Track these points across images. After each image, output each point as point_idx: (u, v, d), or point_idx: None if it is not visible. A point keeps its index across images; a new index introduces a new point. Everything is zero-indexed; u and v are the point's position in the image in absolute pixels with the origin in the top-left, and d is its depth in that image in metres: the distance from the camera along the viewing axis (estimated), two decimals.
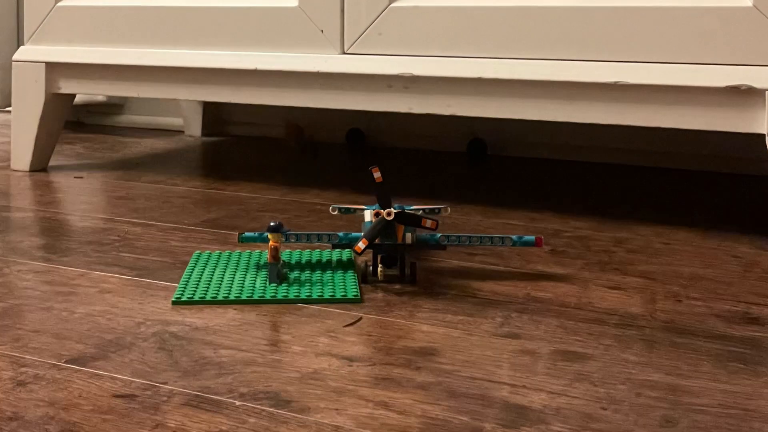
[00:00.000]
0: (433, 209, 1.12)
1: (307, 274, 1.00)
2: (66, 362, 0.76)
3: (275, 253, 0.96)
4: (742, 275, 1.02)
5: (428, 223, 0.97)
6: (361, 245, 0.94)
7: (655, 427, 0.65)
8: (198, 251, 1.08)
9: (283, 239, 0.99)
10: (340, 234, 1.02)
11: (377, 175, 0.97)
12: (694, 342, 0.81)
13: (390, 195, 0.97)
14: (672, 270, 1.04)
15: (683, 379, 0.73)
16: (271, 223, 0.96)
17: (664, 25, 1.11)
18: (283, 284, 0.96)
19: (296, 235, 1.01)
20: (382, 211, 0.96)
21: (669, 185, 1.55)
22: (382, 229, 0.96)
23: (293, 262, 1.04)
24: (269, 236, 0.96)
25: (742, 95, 1.08)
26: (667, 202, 1.41)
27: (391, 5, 1.27)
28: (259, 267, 1.02)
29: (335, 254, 1.07)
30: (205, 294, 0.92)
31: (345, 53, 1.32)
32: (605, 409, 0.68)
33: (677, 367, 0.76)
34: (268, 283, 0.96)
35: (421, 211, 1.08)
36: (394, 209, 0.96)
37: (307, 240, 1.02)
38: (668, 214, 1.32)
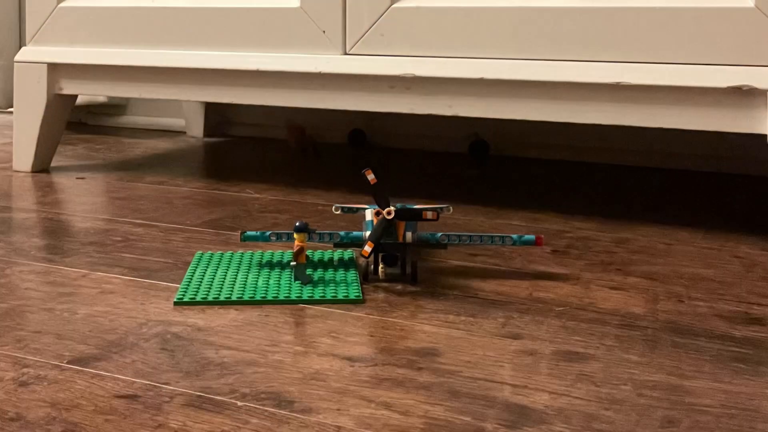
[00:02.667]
0: (435, 209, 1.12)
1: (308, 273, 0.99)
2: (68, 363, 0.76)
3: (301, 253, 0.95)
4: (743, 276, 1.02)
5: (429, 214, 0.96)
6: (367, 249, 0.93)
7: (657, 428, 0.65)
8: (200, 252, 1.08)
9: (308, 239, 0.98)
10: (341, 233, 1.02)
11: (371, 177, 0.96)
12: (696, 342, 0.81)
13: (387, 194, 0.96)
14: (674, 270, 1.03)
15: (685, 379, 0.73)
16: (297, 224, 0.95)
17: (665, 26, 1.10)
18: (291, 285, 0.95)
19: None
20: (382, 210, 0.96)
21: (670, 186, 1.54)
22: (384, 229, 0.95)
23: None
24: (295, 236, 0.95)
25: (744, 96, 1.07)
26: (668, 203, 1.40)
27: (393, 6, 1.26)
28: (261, 267, 1.01)
29: (336, 254, 1.07)
30: (207, 294, 0.92)
31: (347, 54, 1.31)
32: (607, 410, 0.68)
33: (679, 368, 0.75)
34: (291, 282, 0.96)
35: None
36: (396, 207, 0.96)
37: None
38: (670, 214, 1.32)
